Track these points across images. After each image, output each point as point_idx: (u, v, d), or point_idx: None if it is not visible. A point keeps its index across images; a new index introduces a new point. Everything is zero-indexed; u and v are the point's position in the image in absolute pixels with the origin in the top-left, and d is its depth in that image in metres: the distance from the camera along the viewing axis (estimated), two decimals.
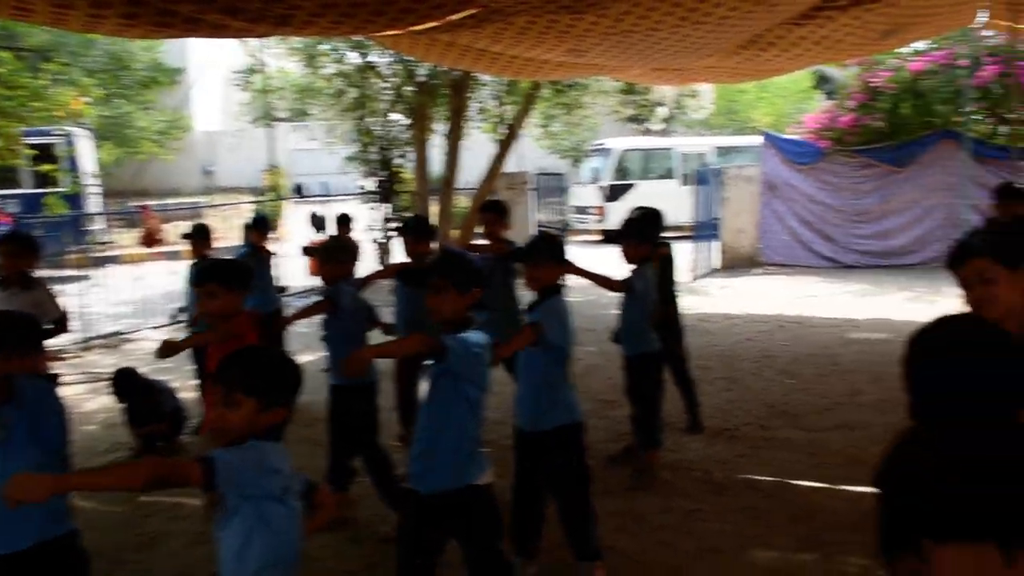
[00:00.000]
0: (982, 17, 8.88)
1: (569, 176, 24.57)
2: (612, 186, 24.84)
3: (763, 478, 5.52)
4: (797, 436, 6.30)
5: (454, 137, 16.49)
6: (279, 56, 18.59)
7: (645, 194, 24.43)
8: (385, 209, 18.14)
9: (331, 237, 6.11)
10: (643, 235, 5.48)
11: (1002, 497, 1.00)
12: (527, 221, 17.67)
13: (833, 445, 6.05)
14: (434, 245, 6.50)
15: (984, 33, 13.62)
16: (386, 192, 18.51)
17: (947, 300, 11.73)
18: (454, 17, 6.63)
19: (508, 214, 6.45)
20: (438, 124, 18.10)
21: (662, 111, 18.63)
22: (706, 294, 13.47)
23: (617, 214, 23.87)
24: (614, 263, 5.87)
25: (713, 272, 15.82)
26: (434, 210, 17.00)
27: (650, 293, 5.47)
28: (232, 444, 2.34)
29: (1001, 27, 10.32)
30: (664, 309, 5.92)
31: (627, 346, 5.60)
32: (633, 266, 5.47)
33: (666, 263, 6.13)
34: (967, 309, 2.73)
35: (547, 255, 4.07)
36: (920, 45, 15.26)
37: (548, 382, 3.98)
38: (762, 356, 9.01)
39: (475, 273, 3.32)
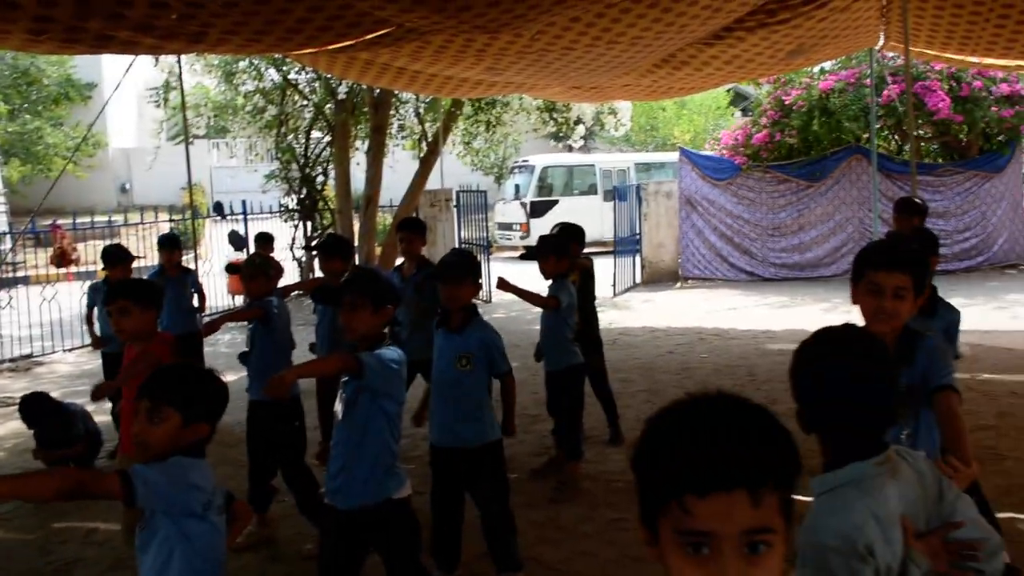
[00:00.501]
0: (882, 40, 9.26)
1: (492, 193, 24.71)
2: (535, 202, 25.05)
3: None
4: None
5: (376, 154, 16.45)
6: (197, 72, 18.32)
7: (568, 210, 24.69)
8: (307, 227, 17.99)
9: (254, 254, 6.03)
10: (561, 250, 5.58)
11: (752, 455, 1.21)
12: (450, 238, 17.68)
13: None
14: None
15: (887, 54, 14.17)
16: (307, 210, 18.35)
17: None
18: (369, 36, 6.67)
19: (426, 231, 6.49)
20: (359, 141, 18.06)
21: (581, 128, 18.85)
22: (628, 308, 13.67)
23: (541, 230, 24.05)
24: (535, 279, 5.94)
25: (635, 286, 16.06)
26: (357, 228, 16.94)
27: (574, 307, 5.56)
28: (154, 459, 2.32)
29: (899, 49, 10.78)
30: (585, 323, 6.01)
31: (549, 361, 5.69)
32: (550, 281, 5.56)
33: (587, 277, 6.23)
34: (861, 316, 2.82)
35: (465, 273, 4.10)
36: (828, 65, 15.80)
37: (475, 401, 4.03)
38: (682, 368, 9.18)
39: (389, 290, 3.34)
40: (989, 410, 6.90)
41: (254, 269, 5.05)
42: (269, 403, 4.84)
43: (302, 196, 18.30)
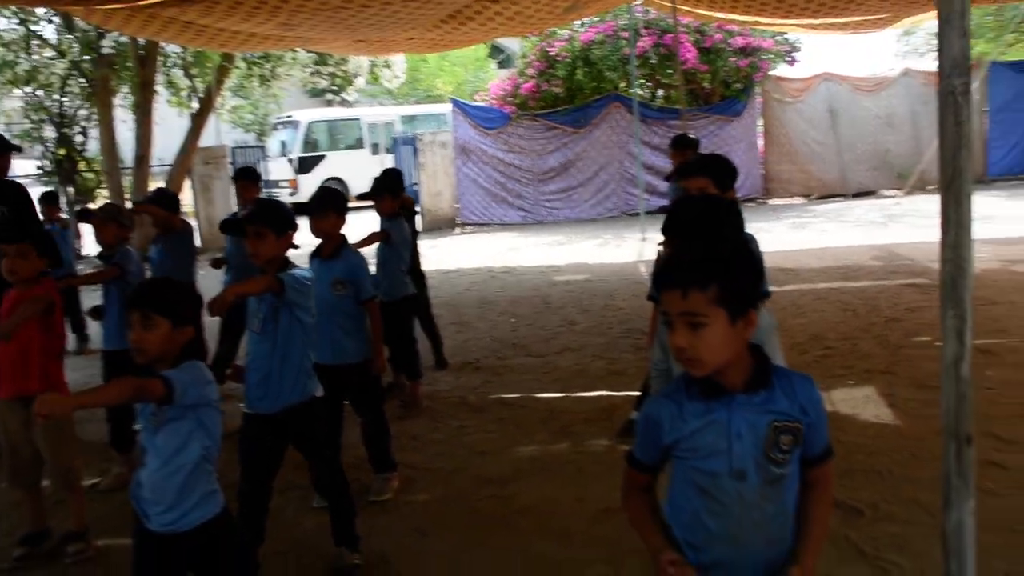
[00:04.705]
0: None
1: (266, 150, 24.37)
2: (302, 158, 24.91)
3: (511, 395, 6.37)
4: (531, 361, 7.24)
5: (144, 111, 15.94)
6: None
7: (336, 165, 24.79)
8: (68, 190, 17.15)
9: (108, 203, 6.08)
10: (396, 190, 6.11)
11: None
12: (226, 196, 17.47)
13: (562, 363, 7.06)
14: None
15: (639, 8, 15.49)
16: (68, 172, 17.48)
17: (630, 244, 13.40)
18: None
19: (260, 179, 6.81)
20: (122, 98, 17.38)
21: (359, 81, 19.10)
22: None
23: (309, 186, 23.99)
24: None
25: (417, 234, 16.61)
26: (129, 188, 16.37)
27: (407, 241, 6.12)
28: (153, 363, 2.69)
29: (653, 4, 11.96)
30: (411, 257, 6.58)
31: (385, 292, 6.18)
32: (386, 220, 6.09)
33: (410, 214, 6.78)
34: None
35: (329, 207, 4.53)
36: (586, 19, 16.98)
37: (354, 320, 4.52)
38: (483, 302, 9.96)
39: (290, 218, 3.77)
40: None
41: (106, 215, 5.20)
42: (124, 351, 5.07)
43: (60, 158, 17.42)
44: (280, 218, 3.71)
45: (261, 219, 3.69)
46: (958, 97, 1.79)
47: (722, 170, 3.60)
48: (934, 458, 4.54)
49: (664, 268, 1.94)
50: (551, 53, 17.01)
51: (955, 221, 1.81)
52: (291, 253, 3.79)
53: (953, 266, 1.82)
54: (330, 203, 4.55)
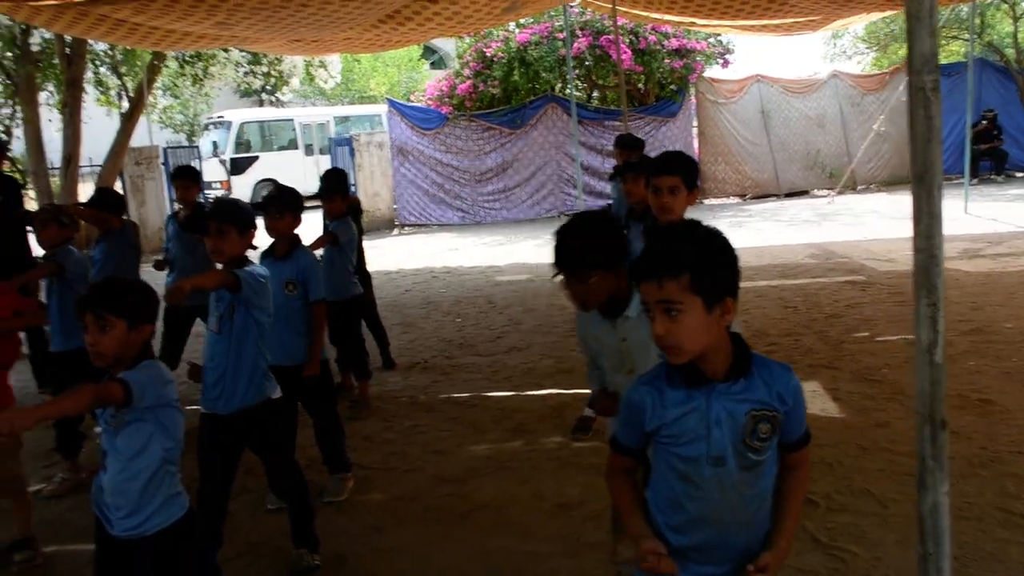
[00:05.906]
0: None
1: (199, 150, 23.93)
2: (234, 159, 24.53)
3: (462, 395, 6.37)
4: (479, 361, 7.25)
5: (73, 111, 15.49)
6: None
7: (269, 166, 24.46)
8: None
9: (46, 204, 5.91)
10: (345, 191, 6.08)
11: None
12: (158, 197, 17.14)
13: (510, 363, 7.08)
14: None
15: (575, 9, 15.60)
16: None
17: None
18: None
19: (200, 178, 6.67)
20: (47, 96, 16.87)
21: (294, 82, 18.88)
22: None
23: (243, 187, 23.58)
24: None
25: (363, 235, 16.51)
26: (57, 189, 15.91)
27: (355, 242, 6.09)
28: (111, 365, 2.63)
29: (591, 4, 12.06)
30: (357, 257, 6.55)
31: (333, 292, 6.13)
32: (334, 220, 6.04)
33: (356, 214, 6.74)
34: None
35: (286, 207, 4.48)
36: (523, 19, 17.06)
37: (306, 322, 4.47)
38: (426, 302, 9.93)
39: (252, 216, 3.73)
40: None
41: (47, 216, 5.07)
42: (70, 352, 4.96)
43: None
44: (244, 216, 3.67)
45: (225, 216, 3.64)
46: (928, 93, 1.86)
47: (691, 169, 3.68)
48: (880, 449, 4.72)
49: (640, 259, 1.97)
50: (487, 54, 17.03)
51: (927, 212, 1.88)
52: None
53: (926, 255, 1.89)
54: (288, 203, 4.52)
